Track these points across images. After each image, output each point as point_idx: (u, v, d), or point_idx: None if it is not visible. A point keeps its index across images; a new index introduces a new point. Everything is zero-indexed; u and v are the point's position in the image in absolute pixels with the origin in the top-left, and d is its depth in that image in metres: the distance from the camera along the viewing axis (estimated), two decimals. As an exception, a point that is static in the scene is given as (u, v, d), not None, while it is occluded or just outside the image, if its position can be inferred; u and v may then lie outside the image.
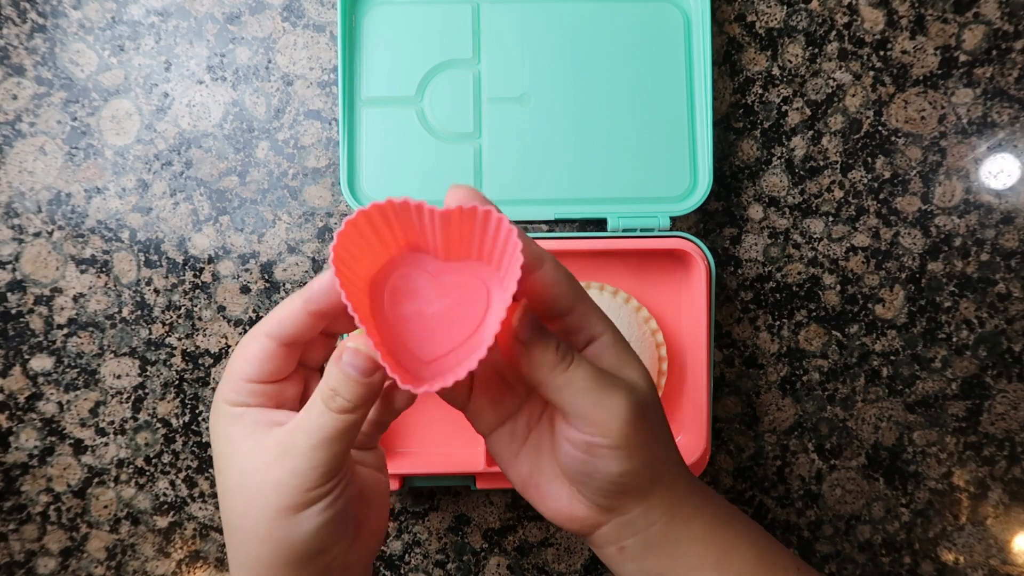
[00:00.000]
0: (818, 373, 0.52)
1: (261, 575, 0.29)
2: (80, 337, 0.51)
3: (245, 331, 0.51)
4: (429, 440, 0.50)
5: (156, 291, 0.51)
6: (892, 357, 0.52)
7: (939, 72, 0.52)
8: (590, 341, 0.31)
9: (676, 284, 0.50)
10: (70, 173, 0.51)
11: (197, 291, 0.51)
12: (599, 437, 0.29)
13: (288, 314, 0.29)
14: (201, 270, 0.51)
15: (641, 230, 0.48)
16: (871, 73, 0.52)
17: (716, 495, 0.34)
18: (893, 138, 0.52)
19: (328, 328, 0.31)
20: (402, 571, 0.52)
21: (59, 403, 0.51)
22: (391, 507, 0.52)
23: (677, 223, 0.52)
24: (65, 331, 0.51)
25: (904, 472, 0.53)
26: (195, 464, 0.51)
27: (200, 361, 0.51)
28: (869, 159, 0.52)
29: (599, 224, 0.51)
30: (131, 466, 0.51)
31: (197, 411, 0.51)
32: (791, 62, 0.52)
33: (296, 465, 0.27)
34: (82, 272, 0.51)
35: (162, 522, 0.51)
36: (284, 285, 0.51)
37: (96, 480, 0.51)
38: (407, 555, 0.52)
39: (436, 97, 0.49)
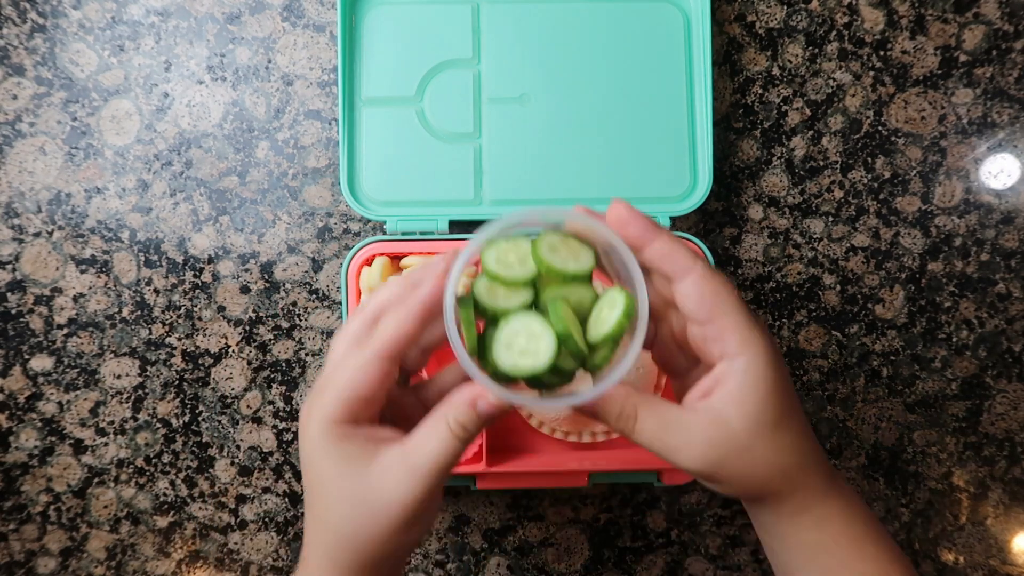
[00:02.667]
0: (818, 373, 0.52)
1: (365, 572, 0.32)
2: (80, 337, 0.51)
3: (246, 331, 0.51)
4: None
5: (156, 291, 0.51)
6: (892, 357, 0.52)
7: (939, 72, 0.52)
8: (723, 357, 0.31)
9: (676, 284, 0.50)
10: (70, 173, 0.51)
11: (197, 291, 0.51)
12: (689, 471, 0.31)
13: (405, 335, 0.32)
14: (201, 270, 0.51)
15: (641, 230, 0.48)
16: (871, 73, 0.52)
17: (845, 494, 0.34)
18: (893, 138, 0.52)
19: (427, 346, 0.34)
20: (402, 571, 0.52)
21: (59, 403, 0.51)
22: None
23: (677, 223, 0.52)
24: (65, 331, 0.51)
25: (904, 472, 0.53)
26: (195, 464, 0.51)
27: (200, 361, 0.51)
28: (869, 159, 0.52)
29: (599, 224, 0.51)
30: (131, 466, 0.51)
31: (197, 411, 0.51)
32: (791, 62, 0.52)
33: (421, 485, 0.30)
34: (82, 272, 0.51)
35: (162, 522, 0.51)
36: (284, 285, 0.51)
37: (96, 480, 0.51)
38: (407, 555, 0.52)
39: (436, 97, 0.49)
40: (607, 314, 0.32)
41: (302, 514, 0.51)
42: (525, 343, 0.32)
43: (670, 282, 0.31)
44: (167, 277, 0.51)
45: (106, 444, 0.51)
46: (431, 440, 0.31)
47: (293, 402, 0.51)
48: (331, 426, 0.31)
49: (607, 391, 0.30)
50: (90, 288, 0.51)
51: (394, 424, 0.34)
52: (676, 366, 0.34)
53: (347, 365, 0.32)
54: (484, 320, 0.34)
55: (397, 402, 0.35)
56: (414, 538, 0.32)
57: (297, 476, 0.51)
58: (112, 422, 0.51)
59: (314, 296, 0.51)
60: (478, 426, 0.32)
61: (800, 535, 0.33)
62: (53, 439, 0.51)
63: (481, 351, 0.33)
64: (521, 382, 0.32)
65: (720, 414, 0.31)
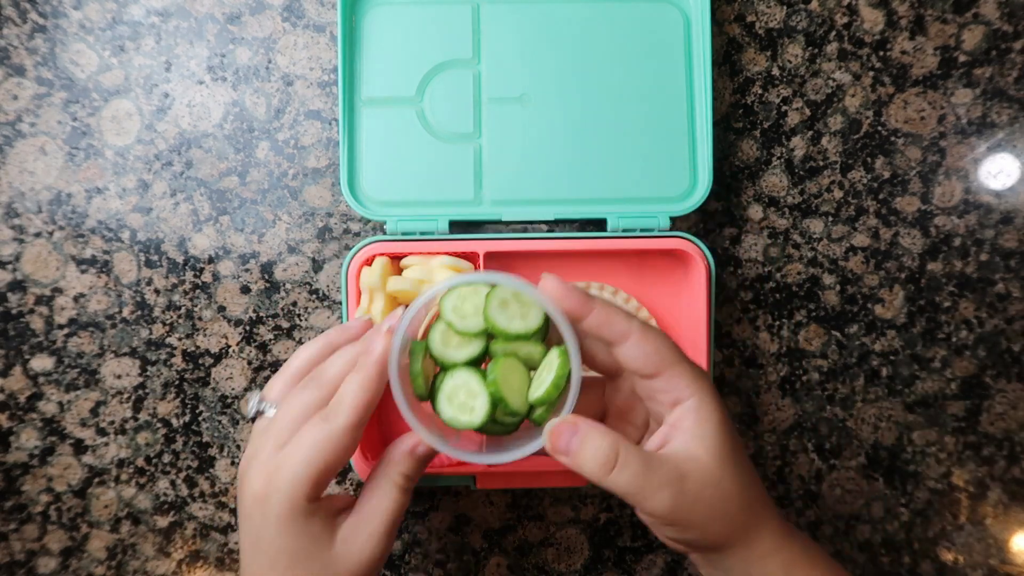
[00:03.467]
0: (818, 373, 0.52)
1: None
2: (80, 337, 0.51)
3: (246, 331, 0.51)
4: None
5: (156, 291, 0.51)
6: (892, 357, 0.52)
7: (939, 72, 0.52)
8: (676, 403, 0.33)
9: (676, 284, 0.50)
10: (70, 173, 0.51)
11: (197, 291, 0.51)
12: (653, 518, 0.33)
13: (369, 402, 0.34)
14: (201, 270, 0.51)
15: (641, 230, 0.48)
16: (871, 73, 0.52)
17: (801, 537, 0.35)
18: (893, 138, 0.52)
19: None
20: (402, 571, 0.52)
21: (59, 403, 0.51)
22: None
23: (677, 223, 0.52)
24: (65, 331, 0.51)
25: (904, 472, 0.53)
26: (195, 464, 0.51)
27: (200, 361, 0.51)
28: (869, 159, 0.52)
29: (599, 224, 0.51)
30: (131, 466, 0.51)
31: (197, 411, 0.51)
32: (791, 62, 0.52)
33: (381, 544, 0.35)
34: (82, 272, 0.51)
35: (162, 522, 0.52)
36: (284, 285, 0.51)
37: (96, 480, 0.51)
38: (407, 555, 0.52)
39: (436, 97, 0.49)
40: (545, 376, 0.34)
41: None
42: (464, 398, 0.34)
43: (611, 347, 0.33)
44: (167, 277, 0.51)
45: (106, 444, 0.51)
46: (382, 501, 0.35)
47: (293, 402, 0.52)
48: (298, 504, 0.33)
49: (534, 451, 0.33)
50: (90, 288, 0.51)
51: None
52: (635, 419, 0.36)
53: (313, 439, 0.33)
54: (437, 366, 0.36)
55: None
56: None
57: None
58: (112, 422, 0.51)
59: (314, 296, 0.51)
60: (420, 471, 0.36)
61: None
62: (53, 439, 0.51)
63: (432, 396, 0.35)
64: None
65: (688, 452, 0.32)
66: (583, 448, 0.32)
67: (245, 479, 0.35)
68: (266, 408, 0.37)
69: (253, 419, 0.37)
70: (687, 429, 0.32)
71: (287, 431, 0.34)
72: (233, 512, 0.52)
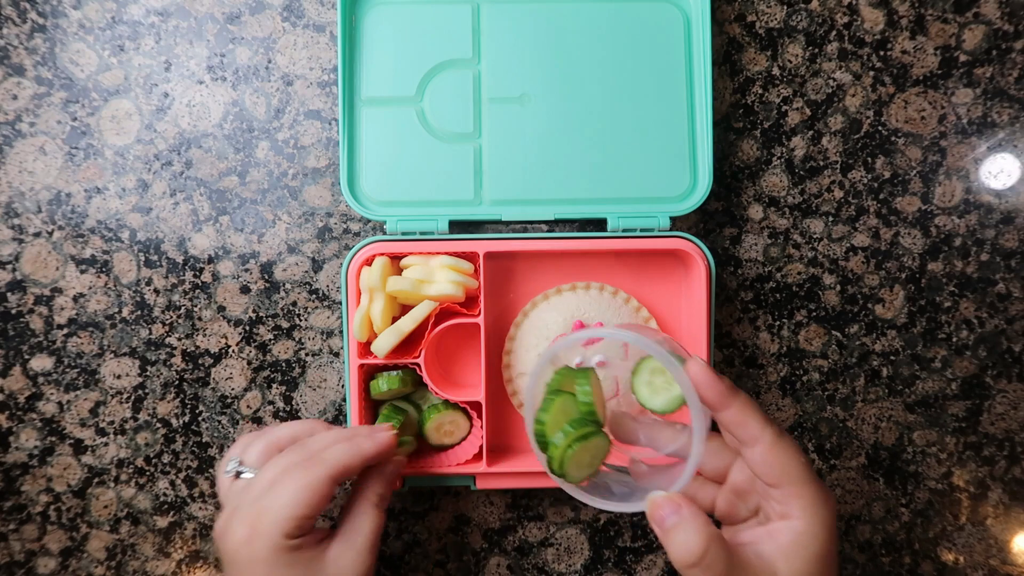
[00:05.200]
0: (818, 373, 0.52)
1: None
2: (80, 337, 0.51)
3: (245, 331, 0.51)
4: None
5: (156, 291, 0.51)
6: (892, 357, 0.52)
7: (939, 72, 0.52)
8: (785, 518, 0.33)
9: (676, 284, 0.50)
10: (70, 173, 0.51)
11: (197, 291, 0.51)
12: None
13: (352, 467, 0.37)
14: (201, 270, 0.51)
15: (641, 230, 0.48)
16: (871, 73, 0.52)
17: None
18: (893, 138, 0.52)
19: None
20: (402, 571, 0.52)
21: (59, 403, 0.51)
22: (390, 507, 0.52)
23: (677, 223, 0.52)
24: (65, 331, 0.51)
25: (904, 472, 0.53)
26: (195, 464, 0.51)
27: (200, 361, 0.51)
28: (869, 159, 0.52)
29: (599, 224, 0.51)
30: (131, 466, 0.51)
31: (197, 411, 0.51)
32: (791, 62, 0.52)
33: (367, 560, 0.38)
34: (82, 272, 0.51)
35: (162, 522, 0.51)
36: (284, 285, 0.51)
37: (96, 480, 0.51)
38: (407, 555, 0.52)
39: (436, 97, 0.49)
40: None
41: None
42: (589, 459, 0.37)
43: (741, 445, 0.33)
44: (167, 277, 0.51)
45: (106, 444, 0.51)
46: (363, 523, 0.38)
47: (293, 402, 0.52)
48: (283, 543, 0.35)
49: (636, 510, 0.35)
50: (90, 288, 0.51)
51: None
52: (736, 515, 0.37)
53: (295, 484, 0.36)
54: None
55: None
56: None
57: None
58: (112, 422, 0.51)
59: (314, 296, 0.51)
60: (391, 490, 0.41)
61: None
62: (53, 439, 0.51)
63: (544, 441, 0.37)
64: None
65: (769, 563, 0.32)
66: (676, 532, 0.32)
67: (228, 531, 0.36)
68: (245, 471, 0.39)
69: (235, 475, 0.40)
70: (782, 546, 0.33)
71: (269, 486, 0.37)
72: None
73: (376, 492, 0.40)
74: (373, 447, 0.39)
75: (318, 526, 0.38)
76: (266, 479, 0.37)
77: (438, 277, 0.46)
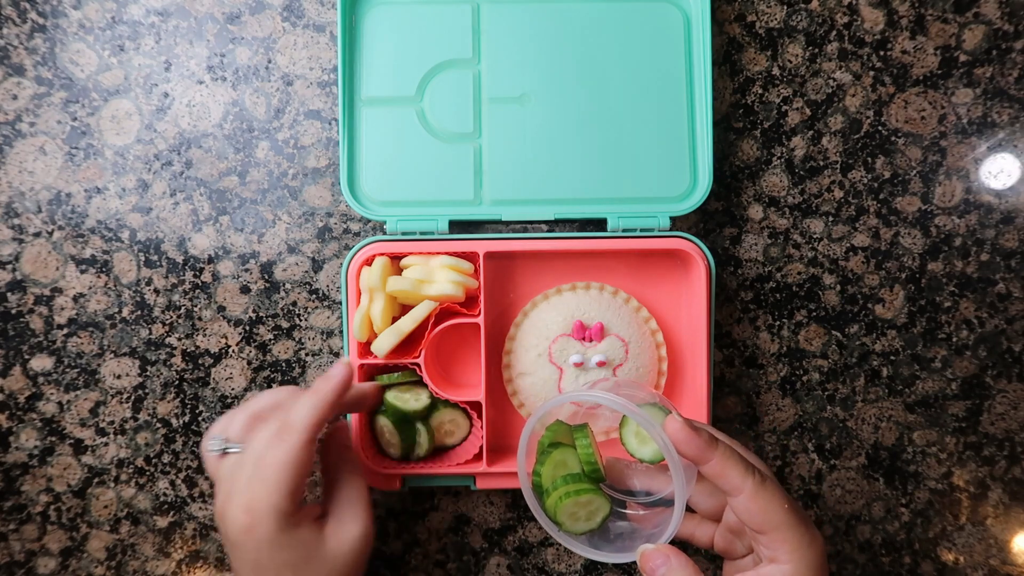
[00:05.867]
0: (818, 373, 0.52)
1: None
2: (80, 337, 0.51)
3: (245, 331, 0.51)
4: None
5: (156, 291, 0.51)
6: (892, 357, 0.52)
7: (939, 72, 0.52)
8: (773, 561, 0.34)
9: (676, 284, 0.50)
10: (70, 173, 0.51)
11: (197, 291, 0.51)
12: None
13: (322, 417, 0.38)
14: (201, 270, 0.51)
15: (641, 230, 0.48)
16: (871, 73, 0.52)
17: None
18: (893, 138, 0.52)
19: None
20: (402, 571, 0.52)
21: (59, 403, 0.51)
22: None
23: (677, 223, 0.52)
24: (65, 331, 0.51)
25: (904, 472, 0.53)
26: (195, 464, 0.51)
27: (200, 361, 0.51)
28: (869, 159, 0.52)
29: (599, 224, 0.51)
30: (131, 466, 0.51)
31: (197, 411, 0.51)
32: (791, 62, 0.52)
33: (367, 518, 0.39)
34: (82, 272, 0.51)
35: (162, 522, 0.51)
36: (284, 285, 0.51)
37: (96, 480, 0.51)
38: (407, 555, 0.52)
39: (436, 97, 0.49)
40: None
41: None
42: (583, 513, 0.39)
43: (726, 495, 0.35)
44: (167, 277, 0.51)
45: (106, 444, 0.51)
46: (350, 492, 0.39)
47: (293, 402, 0.52)
48: (283, 521, 0.36)
49: (628, 560, 0.37)
50: (90, 288, 0.51)
51: None
52: (734, 551, 0.39)
53: (277, 462, 0.36)
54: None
55: None
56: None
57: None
58: (112, 422, 0.51)
59: (314, 296, 0.51)
60: (359, 409, 0.44)
61: None
62: (53, 439, 0.51)
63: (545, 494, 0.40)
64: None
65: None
66: None
67: (227, 517, 0.37)
68: (231, 448, 0.39)
69: (221, 452, 0.40)
70: (756, 521, 0.34)
71: (255, 464, 0.37)
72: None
73: (345, 459, 0.41)
74: (331, 386, 0.39)
75: (309, 500, 0.39)
76: (253, 456, 0.37)
77: (438, 277, 0.46)
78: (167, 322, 0.51)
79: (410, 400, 0.46)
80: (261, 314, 0.51)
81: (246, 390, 0.51)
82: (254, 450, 0.37)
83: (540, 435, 0.40)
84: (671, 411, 0.36)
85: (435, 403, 0.47)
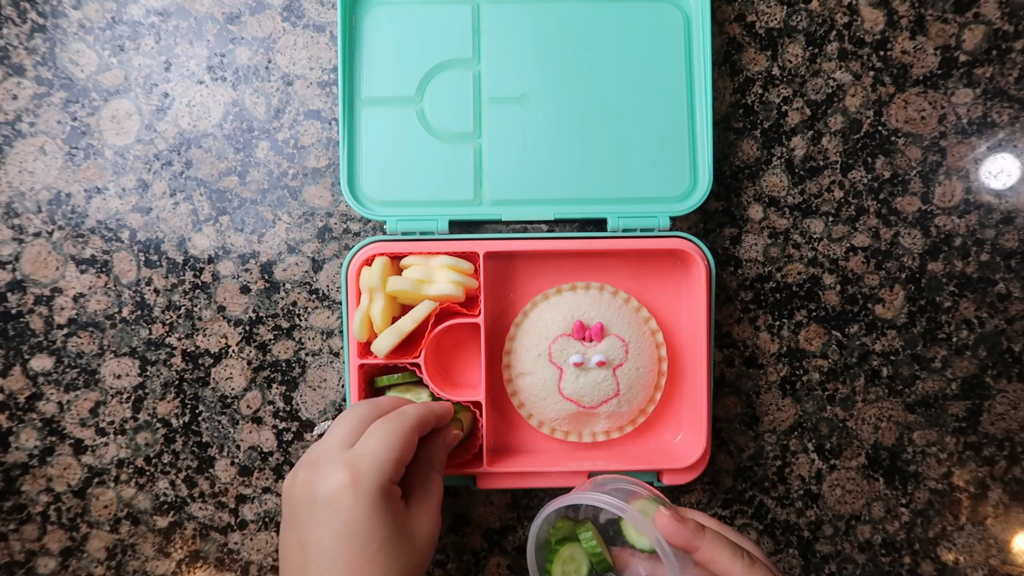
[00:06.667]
0: (818, 373, 0.52)
1: None
2: (80, 337, 0.51)
3: (245, 331, 0.51)
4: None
5: (156, 291, 0.51)
6: (892, 357, 0.52)
7: (939, 72, 0.52)
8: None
9: (676, 284, 0.50)
10: (70, 173, 0.51)
11: (197, 291, 0.51)
12: None
13: (428, 420, 0.41)
14: (201, 270, 0.51)
15: (641, 230, 0.48)
16: (871, 73, 0.52)
17: None
18: (893, 138, 0.52)
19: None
20: (402, 571, 0.52)
21: (59, 403, 0.51)
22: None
23: (677, 223, 0.52)
24: (65, 331, 0.51)
25: (904, 472, 0.53)
26: (195, 464, 0.51)
27: (200, 361, 0.51)
28: (869, 159, 0.52)
29: (599, 224, 0.51)
30: (131, 466, 0.51)
31: (197, 411, 0.51)
32: (791, 62, 0.52)
33: (438, 520, 0.40)
34: (82, 272, 0.51)
35: (162, 522, 0.51)
36: (284, 285, 0.51)
37: (96, 480, 0.51)
38: (407, 555, 0.52)
39: (436, 97, 0.49)
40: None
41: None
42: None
43: None
44: (167, 277, 0.51)
45: (106, 444, 0.51)
46: (432, 486, 0.41)
47: (293, 402, 0.52)
48: (386, 486, 0.37)
49: None
50: (90, 288, 0.51)
51: None
52: None
53: (384, 432, 0.38)
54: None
55: None
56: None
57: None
58: (112, 422, 0.51)
59: (314, 296, 0.51)
60: (447, 453, 0.44)
61: None
62: (53, 439, 0.51)
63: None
64: None
65: None
66: None
67: (317, 475, 0.37)
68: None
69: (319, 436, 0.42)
70: None
71: (352, 434, 0.38)
72: (233, 512, 0.52)
73: (438, 459, 0.42)
74: (440, 408, 0.42)
75: None
76: (346, 427, 0.38)
77: (438, 277, 0.46)
78: (167, 322, 0.51)
79: (410, 400, 0.46)
80: (261, 314, 0.51)
81: (246, 390, 0.51)
82: (349, 420, 0.39)
83: (546, 537, 0.43)
84: (661, 504, 0.39)
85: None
